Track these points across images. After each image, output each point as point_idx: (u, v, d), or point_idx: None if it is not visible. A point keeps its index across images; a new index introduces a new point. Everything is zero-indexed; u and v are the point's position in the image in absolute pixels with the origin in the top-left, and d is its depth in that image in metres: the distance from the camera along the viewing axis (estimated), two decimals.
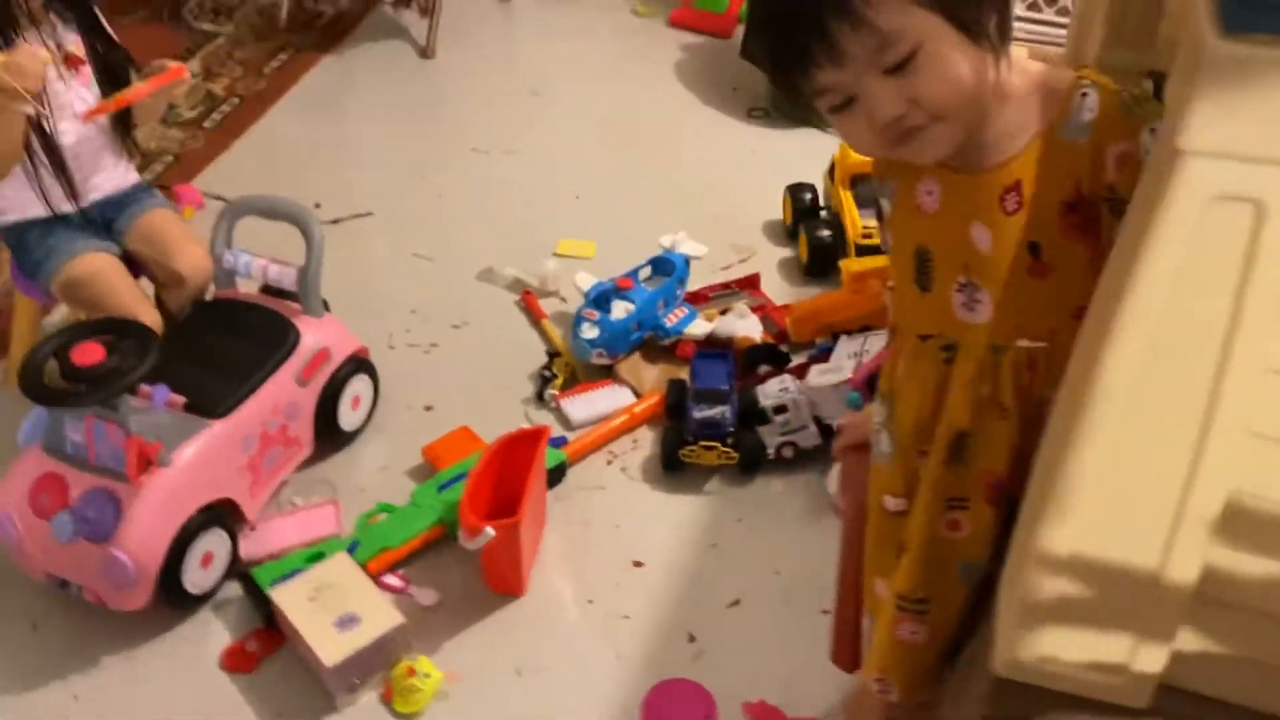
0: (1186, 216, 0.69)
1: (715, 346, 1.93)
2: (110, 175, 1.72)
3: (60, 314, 2.01)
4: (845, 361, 1.81)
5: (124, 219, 1.72)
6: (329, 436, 1.76)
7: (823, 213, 2.25)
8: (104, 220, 1.72)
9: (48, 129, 1.60)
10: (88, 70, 1.66)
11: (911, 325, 1.05)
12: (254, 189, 2.39)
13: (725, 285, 2.14)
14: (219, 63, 3.00)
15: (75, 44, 1.65)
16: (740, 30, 3.13)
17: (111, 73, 1.67)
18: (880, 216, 1.12)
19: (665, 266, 2.03)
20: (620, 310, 1.92)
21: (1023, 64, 0.96)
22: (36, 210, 1.66)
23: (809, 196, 2.28)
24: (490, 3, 3.34)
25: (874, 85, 0.87)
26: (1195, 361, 0.73)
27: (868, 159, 1.99)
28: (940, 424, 1.03)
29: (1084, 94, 0.92)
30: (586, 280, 2.06)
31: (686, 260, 2.05)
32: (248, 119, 2.76)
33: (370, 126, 2.75)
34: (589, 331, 1.89)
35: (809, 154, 2.61)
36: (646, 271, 2.04)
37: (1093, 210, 0.94)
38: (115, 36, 1.70)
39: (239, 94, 2.86)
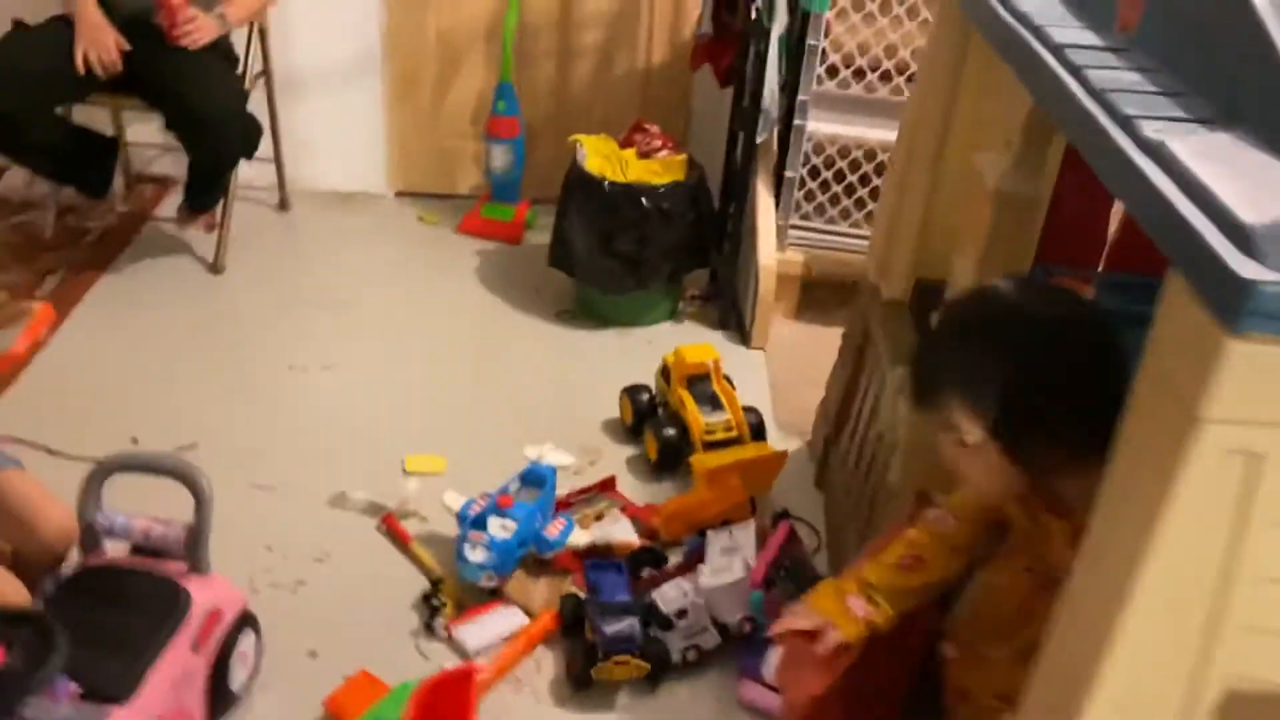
0: (1204, 470, 0.86)
1: (597, 555, 1.98)
2: None
3: None
4: (729, 559, 1.91)
5: None
6: (219, 701, 1.63)
7: (660, 411, 2.38)
8: None
9: None
10: None
11: None
12: (51, 427, 2.24)
13: (585, 490, 2.20)
14: None
15: None
16: (529, 236, 3.30)
17: None
18: None
19: (535, 479, 2.07)
20: (503, 529, 1.93)
21: None
22: None
23: (646, 397, 2.41)
24: (270, 212, 3.32)
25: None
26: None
27: (700, 362, 2.27)
28: None
29: None
30: (455, 499, 2.05)
31: (554, 471, 2.10)
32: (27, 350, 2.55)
33: (172, 348, 2.61)
34: (477, 554, 1.88)
35: (622, 352, 2.78)
36: (515, 485, 2.07)
37: None
38: None
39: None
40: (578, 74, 3.40)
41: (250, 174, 3.16)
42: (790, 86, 2.66)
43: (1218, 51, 1.08)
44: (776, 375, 2.71)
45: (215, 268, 2.97)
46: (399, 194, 3.52)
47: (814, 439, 2.40)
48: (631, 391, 2.42)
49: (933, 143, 1.91)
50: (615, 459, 2.37)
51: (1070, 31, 1.32)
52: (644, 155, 2.82)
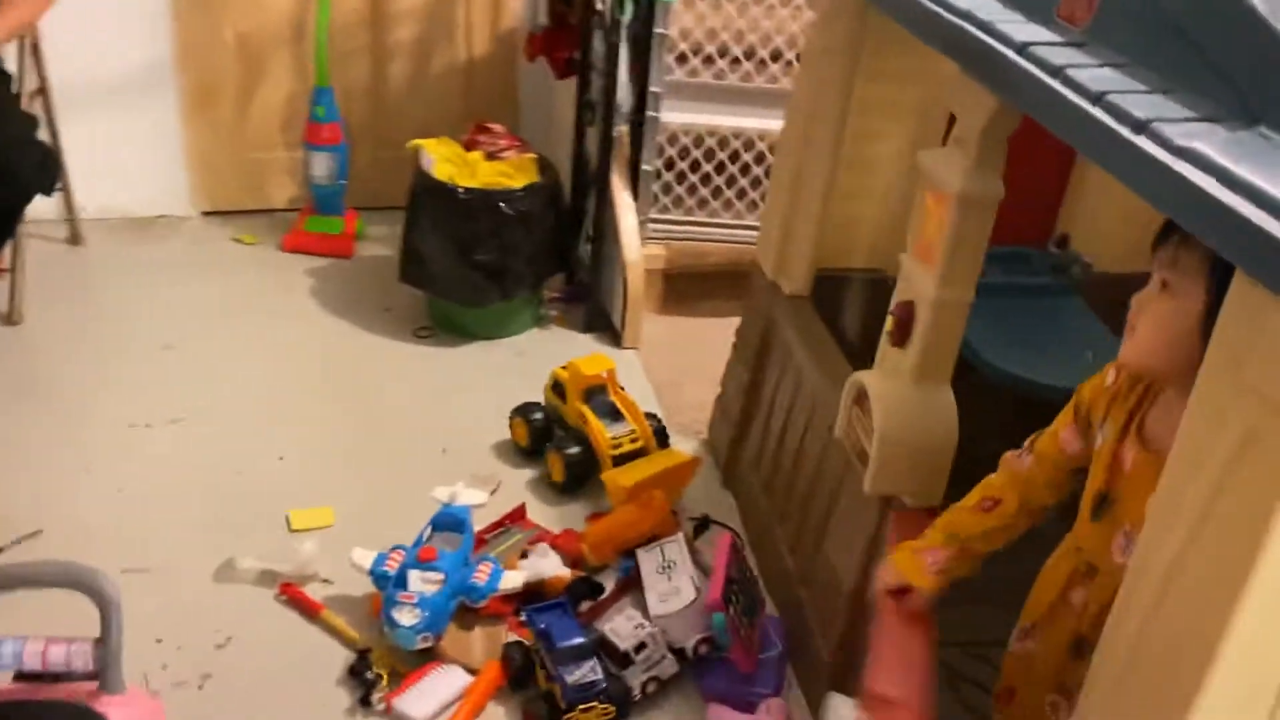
0: None
1: (531, 595, 1.87)
2: None
3: None
4: (670, 580, 1.84)
5: None
6: None
7: (556, 429, 2.27)
8: None
9: None
10: None
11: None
12: None
13: (497, 525, 2.07)
14: None
15: None
16: (360, 247, 3.08)
17: None
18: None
19: (450, 522, 1.92)
20: (429, 583, 1.78)
21: None
22: None
23: (540, 416, 2.29)
24: (61, 248, 2.95)
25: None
26: None
27: (596, 374, 2.20)
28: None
29: None
30: (365, 556, 1.88)
31: (469, 511, 1.96)
32: None
33: None
34: (409, 616, 1.72)
35: (494, 367, 2.65)
36: (428, 532, 1.91)
37: None
38: None
39: None
40: (394, 73, 3.19)
41: (30, 206, 2.78)
42: (639, 77, 2.59)
43: (1205, 47, 1.08)
44: (655, 374, 2.65)
45: (10, 319, 2.60)
46: (205, 214, 3.20)
47: (712, 438, 2.36)
48: (523, 411, 2.30)
49: (830, 133, 1.89)
50: (515, 484, 2.24)
51: (1019, 26, 1.31)
52: (491, 157, 2.67)
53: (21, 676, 1.40)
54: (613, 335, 2.79)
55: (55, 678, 1.39)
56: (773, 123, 2.69)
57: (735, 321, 2.33)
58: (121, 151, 3.02)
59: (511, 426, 2.32)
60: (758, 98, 2.65)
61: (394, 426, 2.39)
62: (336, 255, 3.05)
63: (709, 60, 2.62)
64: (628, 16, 2.45)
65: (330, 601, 1.89)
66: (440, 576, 1.79)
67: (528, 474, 2.28)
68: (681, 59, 2.60)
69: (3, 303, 2.61)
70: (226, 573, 1.94)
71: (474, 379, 2.60)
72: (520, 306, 2.75)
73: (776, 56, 2.62)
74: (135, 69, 2.96)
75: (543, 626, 1.72)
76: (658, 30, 2.53)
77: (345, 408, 2.45)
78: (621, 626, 1.77)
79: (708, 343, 2.78)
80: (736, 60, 2.63)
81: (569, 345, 2.76)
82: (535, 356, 2.70)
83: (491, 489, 2.21)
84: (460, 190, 2.55)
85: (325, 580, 1.94)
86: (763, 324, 2.12)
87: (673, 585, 1.84)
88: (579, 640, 1.70)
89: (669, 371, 2.65)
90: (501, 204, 2.56)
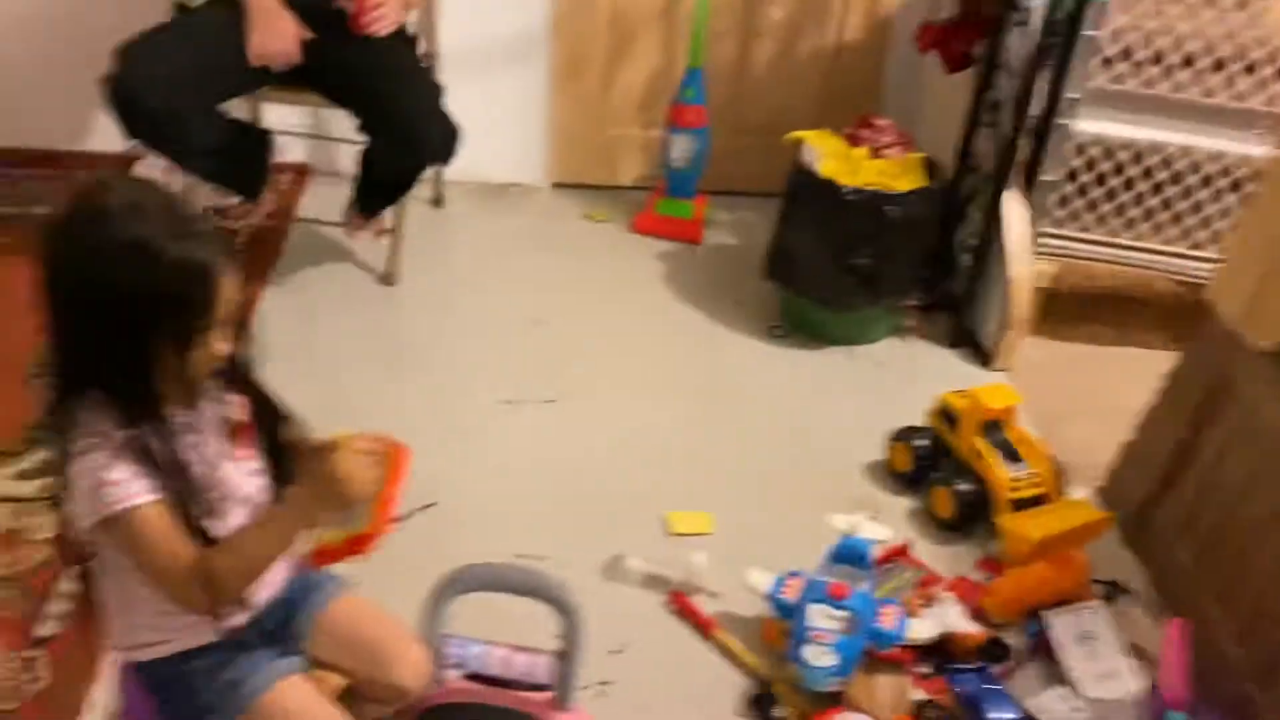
0: None
1: (936, 650, 1.73)
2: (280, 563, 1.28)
3: None
4: (1105, 661, 1.67)
5: (303, 618, 1.28)
6: None
7: (943, 460, 2.12)
8: (278, 624, 1.27)
9: (208, 527, 1.16)
10: (249, 437, 1.23)
11: None
12: None
13: (884, 559, 1.95)
14: None
15: (238, 409, 1.23)
16: (707, 234, 3.01)
17: (275, 441, 1.25)
18: None
19: (851, 556, 1.81)
20: (836, 621, 1.67)
21: None
22: (204, 634, 1.20)
23: (925, 442, 2.14)
24: (426, 210, 3.01)
25: None
26: None
27: (999, 407, 1.92)
28: None
29: None
30: (763, 579, 1.80)
31: (871, 546, 1.84)
32: None
33: (362, 379, 2.32)
34: (824, 657, 1.62)
35: (855, 377, 2.51)
36: (828, 564, 1.80)
37: None
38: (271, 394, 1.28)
39: None
40: (758, 56, 3.08)
41: None
42: (1054, 80, 2.36)
43: None
44: (1034, 404, 2.44)
45: (387, 279, 2.67)
46: (555, 185, 3.21)
47: (1114, 488, 2.14)
48: (907, 436, 2.15)
49: None
50: (893, 514, 2.11)
51: None
52: (876, 154, 2.52)
53: (474, 677, 1.39)
54: (979, 354, 2.59)
55: (506, 683, 1.37)
56: (1201, 140, 2.42)
57: (1119, 352, 2.11)
58: (489, 118, 3.03)
59: (892, 450, 2.18)
60: (1188, 112, 2.38)
61: (760, 432, 2.30)
62: (685, 240, 2.99)
63: (1138, 66, 2.36)
64: (1065, 11, 2.24)
65: (718, 619, 1.82)
66: (851, 617, 1.68)
67: (905, 504, 2.14)
68: (1106, 63, 2.35)
69: (382, 263, 2.69)
70: (614, 570, 1.90)
71: (834, 388, 2.47)
72: (881, 313, 2.60)
73: (1219, 66, 2.33)
74: (513, 37, 2.98)
75: (970, 692, 1.58)
76: (1086, 32, 2.30)
77: (708, 404, 2.38)
78: (1053, 706, 1.60)
79: (1090, 373, 2.57)
80: (1169, 68, 2.36)
81: (930, 361, 2.59)
82: (895, 370, 2.55)
83: (872, 515, 2.08)
84: (845, 190, 2.41)
85: (712, 593, 1.87)
86: (1211, 376, 1.88)
87: (1105, 666, 1.66)
88: (1012, 716, 1.55)
89: (1049, 402, 2.43)
90: (887, 207, 2.40)
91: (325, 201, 2.88)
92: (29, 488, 1.93)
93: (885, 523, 2.06)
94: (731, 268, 2.89)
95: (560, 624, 1.34)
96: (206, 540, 1.13)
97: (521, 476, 2.11)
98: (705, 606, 1.84)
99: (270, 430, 1.25)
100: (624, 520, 2.01)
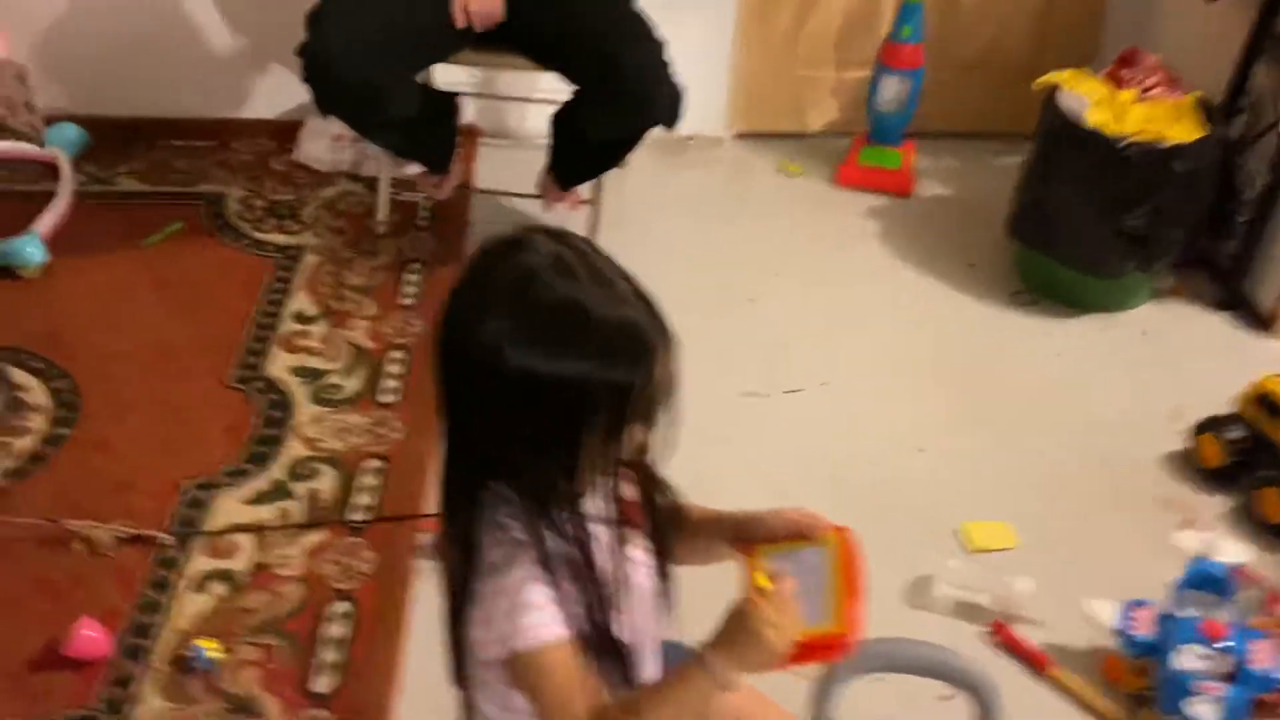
0: None
1: None
2: (654, 655, 1.09)
3: None
4: None
5: None
6: None
7: (1262, 454, 1.87)
8: None
9: (611, 626, 0.97)
10: (638, 517, 1.04)
11: None
12: None
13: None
14: (332, 294, 2.28)
15: (627, 485, 1.03)
16: (918, 184, 2.74)
17: (660, 519, 1.06)
18: None
19: (1205, 581, 1.58)
20: (1214, 664, 1.46)
21: None
22: None
23: (1240, 433, 1.89)
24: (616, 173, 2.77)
25: None
26: None
27: None
28: None
29: None
30: (1104, 609, 1.59)
31: (1229, 570, 1.61)
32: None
33: None
34: (1210, 712, 1.42)
35: (1116, 349, 2.26)
36: (1181, 592, 1.58)
37: None
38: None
39: (393, 344, 2.16)
40: None
41: None
42: None
43: None
44: None
45: None
46: (738, 136, 2.95)
47: None
48: (1217, 427, 1.91)
49: None
50: (1205, 518, 1.87)
51: None
52: (1142, 97, 2.23)
53: None
54: (1255, 318, 2.32)
55: None
56: None
57: None
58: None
59: (1199, 443, 1.94)
60: None
61: (1032, 421, 2.06)
62: (895, 193, 2.73)
63: None
64: None
65: (1049, 652, 1.61)
66: (1229, 659, 1.46)
67: (1215, 504, 1.90)
68: None
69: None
70: (919, 596, 1.70)
71: (1101, 364, 2.22)
72: (1144, 277, 2.33)
73: None
74: None
75: None
76: None
77: (965, 389, 2.14)
78: None
79: None
80: None
81: (1199, 328, 2.33)
82: (1163, 340, 2.29)
83: (1189, 521, 1.85)
84: (1119, 142, 2.13)
85: (1035, 622, 1.66)
86: None
87: None
88: None
89: None
90: (1169, 163, 2.12)
91: (500, 168, 2.66)
92: (268, 512, 1.77)
93: (1202, 528, 1.84)
94: (952, 223, 2.62)
95: (975, 710, 1.14)
96: (609, 641, 0.95)
97: (787, 482, 1.90)
98: (1031, 637, 1.64)
99: (657, 507, 1.05)
100: (912, 533, 1.80)
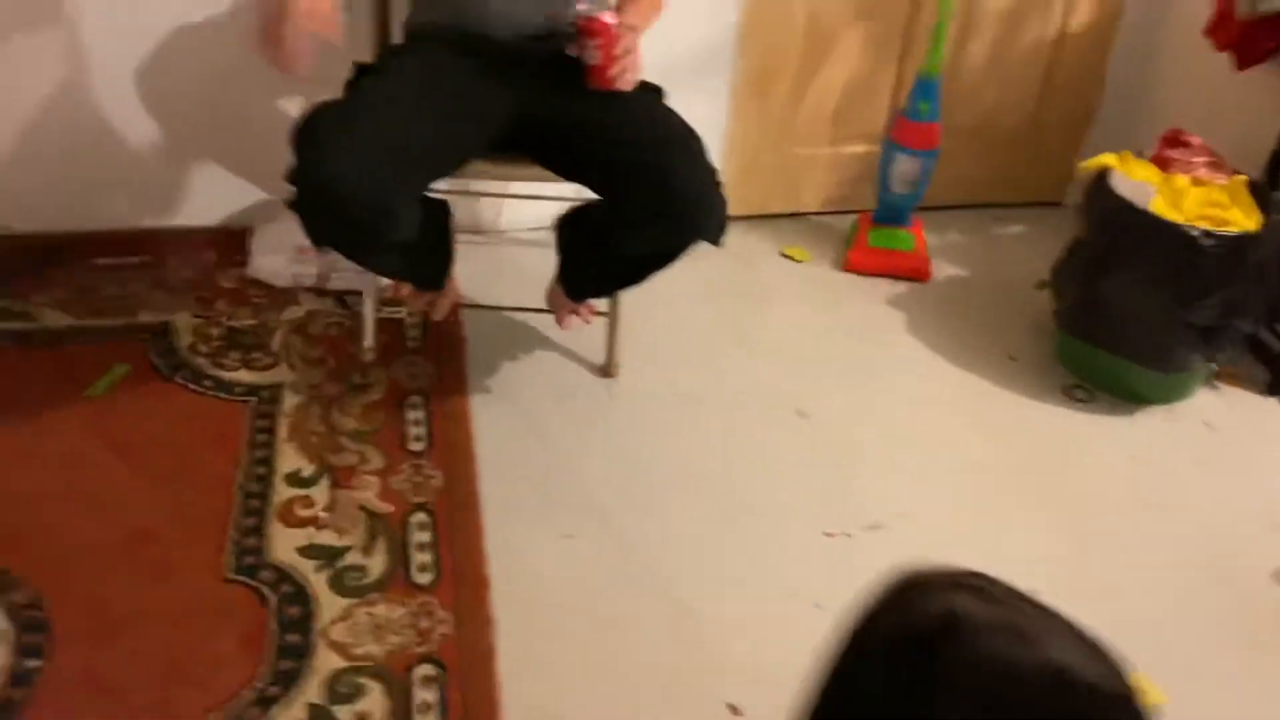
0: None
1: None
2: None
3: None
4: None
5: None
6: None
7: None
8: None
9: None
10: None
11: None
12: None
13: None
14: (327, 444, 1.95)
15: None
16: (937, 267, 2.58)
17: None
18: None
19: None
20: None
21: None
22: None
23: None
24: None
25: None
26: None
27: None
28: None
29: None
30: None
31: None
32: (464, 551, 1.77)
33: (620, 512, 1.85)
34: None
35: (1194, 450, 2.12)
36: None
37: None
38: None
39: (412, 504, 1.85)
40: (973, 51, 2.62)
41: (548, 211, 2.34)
42: None
43: None
44: None
45: (607, 370, 2.19)
46: (735, 218, 2.72)
47: None
48: None
49: None
50: None
51: None
52: (1194, 181, 2.11)
53: None
54: None
55: None
56: None
57: None
58: None
59: None
60: None
61: (1129, 539, 1.89)
62: (910, 277, 2.56)
63: None
64: None
65: None
66: None
67: None
68: None
69: (586, 349, 2.21)
70: None
71: (1178, 464, 2.08)
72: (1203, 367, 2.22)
73: None
74: (696, 50, 2.47)
75: None
76: None
77: (1048, 506, 1.96)
78: None
79: None
80: None
81: (1259, 416, 2.22)
82: (1230, 432, 2.17)
83: None
84: (1190, 232, 2.00)
85: None
86: None
87: None
88: None
89: None
90: (1242, 250, 2.00)
91: (480, 271, 2.38)
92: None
93: None
94: (977, 308, 2.47)
95: None
96: None
97: None
98: None
99: None
100: None
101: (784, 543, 1.83)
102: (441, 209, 2.05)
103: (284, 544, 1.74)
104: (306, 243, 2.17)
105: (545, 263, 2.09)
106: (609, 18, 1.78)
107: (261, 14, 1.66)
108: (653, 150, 1.77)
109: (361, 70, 1.87)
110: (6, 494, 1.78)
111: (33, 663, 1.52)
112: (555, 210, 2.06)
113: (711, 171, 1.82)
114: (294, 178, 1.68)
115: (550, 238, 2.06)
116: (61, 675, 1.50)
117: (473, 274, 2.36)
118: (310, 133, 1.69)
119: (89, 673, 1.51)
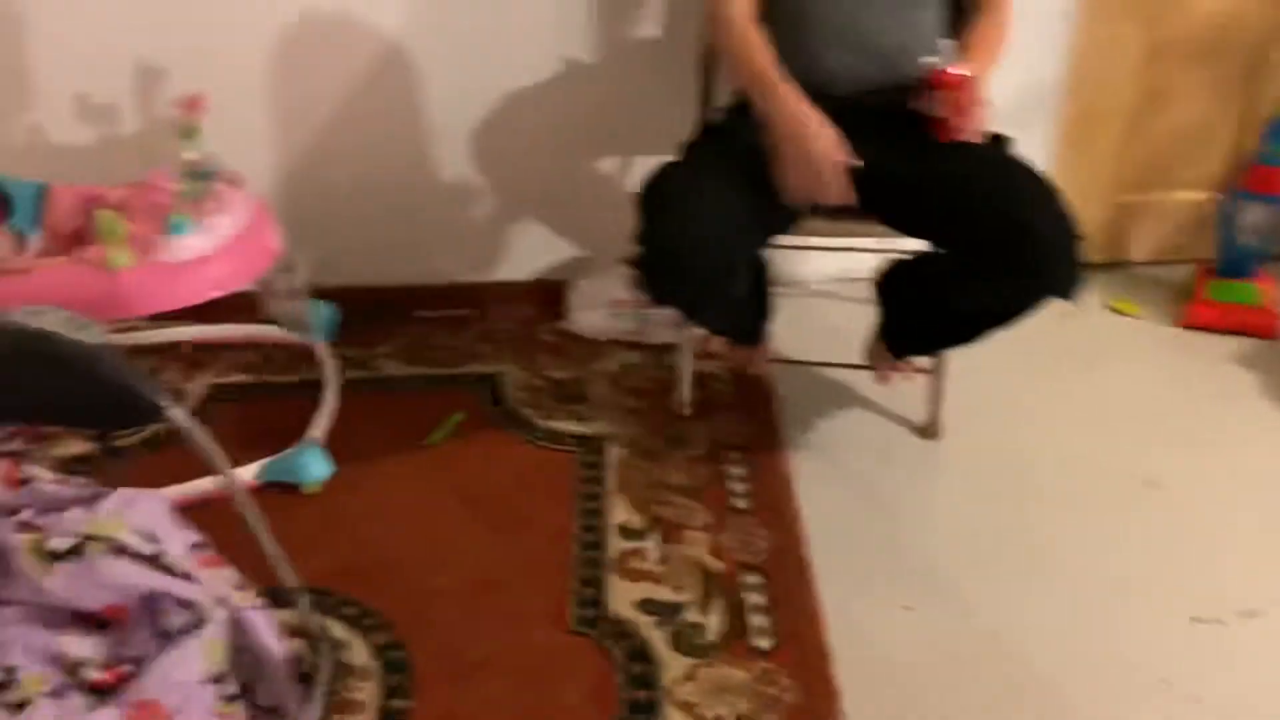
0: None
1: None
2: None
3: None
4: None
5: None
6: None
7: None
8: None
9: None
10: None
11: None
12: None
13: None
14: (654, 497, 1.96)
15: None
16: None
17: None
18: None
19: None
20: None
21: None
22: None
23: None
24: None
25: None
26: None
27: None
28: None
29: None
30: None
31: None
32: (803, 617, 1.73)
33: (963, 584, 1.76)
34: None
35: None
36: None
37: None
38: None
39: (743, 563, 1.82)
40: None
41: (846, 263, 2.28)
42: None
43: None
44: None
45: (929, 431, 2.11)
46: None
47: None
48: None
49: None
50: None
51: None
52: None
53: None
54: None
55: None
56: None
57: None
58: None
59: None
60: None
61: None
62: (1255, 334, 2.34)
63: None
64: None
65: None
66: None
67: None
68: None
69: (919, 411, 2.13)
70: None
71: None
72: None
73: None
74: (1021, 91, 2.36)
75: None
76: None
77: None
78: None
79: None
80: None
81: None
82: None
83: None
84: None
85: None
86: None
87: None
88: None
89: None
90: None
91: (786, 324, 2.35)
92: None
93: None
94: None
95: None
96: None
97: None
98: None
99: None
100: None
101: (1148, 626, 1.68)
102: (762, 264, 2.04)
103: (623, 598, 1.75)
104: (623, 296, 2.23)
105: (848, 315, 2.04)
106: (960, 69, 1.72)
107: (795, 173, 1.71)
108: (1009, 200, 1.69)
109: (704, 130, 1.89)
110: (364, 539, 1.89)
111: (400, 703, 1.59)
112: (853, 261, 2.01)
113: (1071, 222, 1.72)
114: (642, 238, 1.70)
115: (851, 289, 2.01)
116: (427, 716, 1.56)
117: (777, 327, 2.34)
118: (658, 196, 1.72)
119: (448, 715, 1.56)
